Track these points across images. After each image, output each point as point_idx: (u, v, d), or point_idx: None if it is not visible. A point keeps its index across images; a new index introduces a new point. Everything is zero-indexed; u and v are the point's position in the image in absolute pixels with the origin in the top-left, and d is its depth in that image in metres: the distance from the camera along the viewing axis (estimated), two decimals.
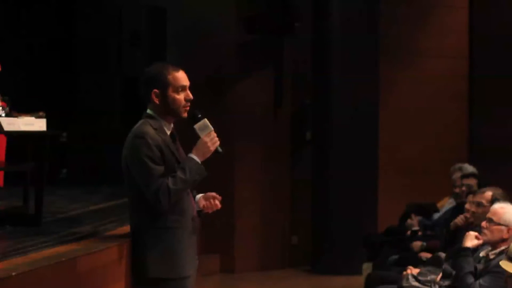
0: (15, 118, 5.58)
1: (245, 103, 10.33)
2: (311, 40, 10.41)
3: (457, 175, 8.31)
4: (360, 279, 7.83)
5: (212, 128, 4.37)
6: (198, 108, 4.43)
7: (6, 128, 5.47)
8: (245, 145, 10.20)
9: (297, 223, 10.63)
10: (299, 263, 10.47)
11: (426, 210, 8.76)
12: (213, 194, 4.56)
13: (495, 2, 11.07)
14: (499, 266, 4.72)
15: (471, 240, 5.48)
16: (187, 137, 4.59)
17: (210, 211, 4.57)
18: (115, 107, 10.90)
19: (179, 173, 4.25)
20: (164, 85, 4.30)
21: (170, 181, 4.21)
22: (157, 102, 4.31)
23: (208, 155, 4.36)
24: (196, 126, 4.37)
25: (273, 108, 10.53)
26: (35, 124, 5.59)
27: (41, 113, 5.75)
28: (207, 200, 4.54)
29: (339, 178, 10.09)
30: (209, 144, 4.34)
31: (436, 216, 8.50)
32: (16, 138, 6.04)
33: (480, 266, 5.35)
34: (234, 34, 10.27)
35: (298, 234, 10.67)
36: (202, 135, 4.36)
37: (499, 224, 5.37)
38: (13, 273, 3.68)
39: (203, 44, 10.12)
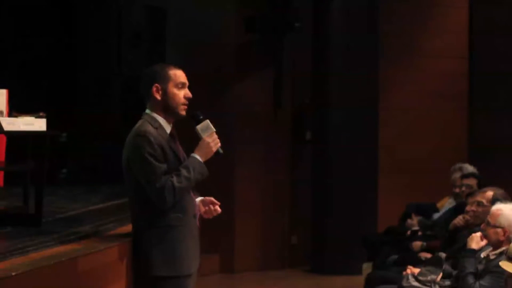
0: (15, 118, 5.57)
1: (245, 103, 10.32)
2: (311, 40, 10.41)
3: (457, 175, 8.30)
4: (360, 279, 7.83)
5: (214, 129, 4.40)
6: (198, 108, 4.44)
7: (6, 128, 5.46)
8: (245, 145, 10.19)
9: (297, 223, 10.62)
10: (299, 263, 10.46)
11: (426, 210, 8.75)
12: (211, 199, 4.57)
13: (495, 2, 11.06)
14: (499, 267, 4.72)
15: (476, 242, 5.46)
16: (186, 139, 4.60)
17: (210, 217, 4.59)
18: (115, 107, 10.90)
19: (183, 172, 4.28)
20: (165, 80, 4.34)
21: (175, 179, 4.23)
22: (158, 97, 4.33)
23: (210, 155, 4.39)
24: (199, 127, 4.40)
25: (273, 108, 10.53)
26: (35, 124, 5.57)
27: (41, 113, 5.74)
28: (205, 206, 4.56)
29: (339, 178, 10.09)
30: (211, 144, 4.38)
31: (436, 216, 8.48)
32: (16, 138, 6.03)
33: (480, 267, 5.35)
34: (234, 34, 10.27)
35: (298, 234, 10.66)
36: (204, 135, 4.39)
37: (495, 226, 5.35)
38: (13, 273, 3.68)
39: (203, 44, 10.12)
